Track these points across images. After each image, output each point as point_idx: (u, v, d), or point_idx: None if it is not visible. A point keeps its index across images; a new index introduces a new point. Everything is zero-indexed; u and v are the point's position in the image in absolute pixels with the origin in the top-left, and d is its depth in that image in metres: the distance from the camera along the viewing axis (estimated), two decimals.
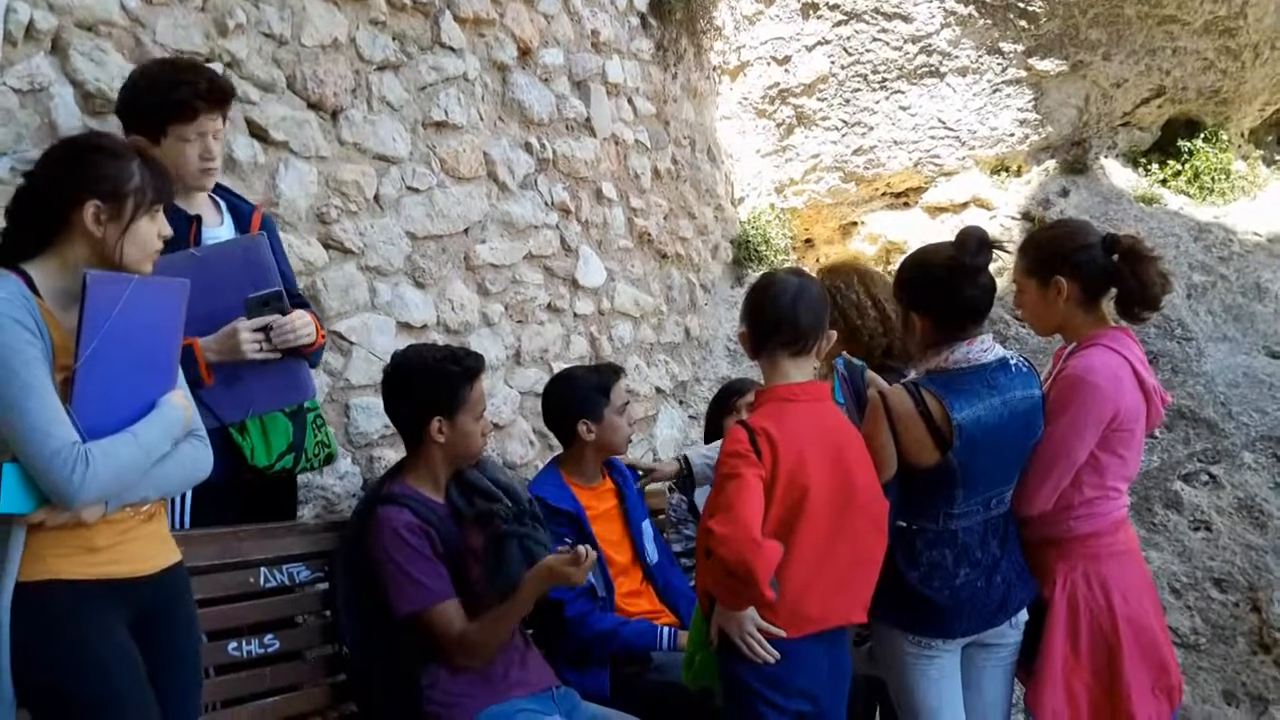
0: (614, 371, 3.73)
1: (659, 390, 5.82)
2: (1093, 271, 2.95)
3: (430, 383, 3.00)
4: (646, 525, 3.74)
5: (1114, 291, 2.98)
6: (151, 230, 2.25)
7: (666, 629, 3.43)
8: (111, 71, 2.94)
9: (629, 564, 3.64)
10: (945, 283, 2.83)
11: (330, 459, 3.20)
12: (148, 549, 2.28)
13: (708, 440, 4.14)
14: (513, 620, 2.95)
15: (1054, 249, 3.02)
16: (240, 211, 3.07)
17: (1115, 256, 2.93)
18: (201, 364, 2.79)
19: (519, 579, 2.95)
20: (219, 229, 3.00)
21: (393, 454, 3.73)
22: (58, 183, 2.18)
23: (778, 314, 2.70)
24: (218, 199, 3.05)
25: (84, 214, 2.15)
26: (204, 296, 2.66)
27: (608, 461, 3.76)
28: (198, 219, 2.93)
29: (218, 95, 2.86)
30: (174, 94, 2.77)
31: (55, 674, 2.08)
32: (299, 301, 3.09)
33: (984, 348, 2.85)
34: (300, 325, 2.92)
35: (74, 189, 2.16)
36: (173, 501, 2.83)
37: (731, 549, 2.41)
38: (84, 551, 2.15)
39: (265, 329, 2.85)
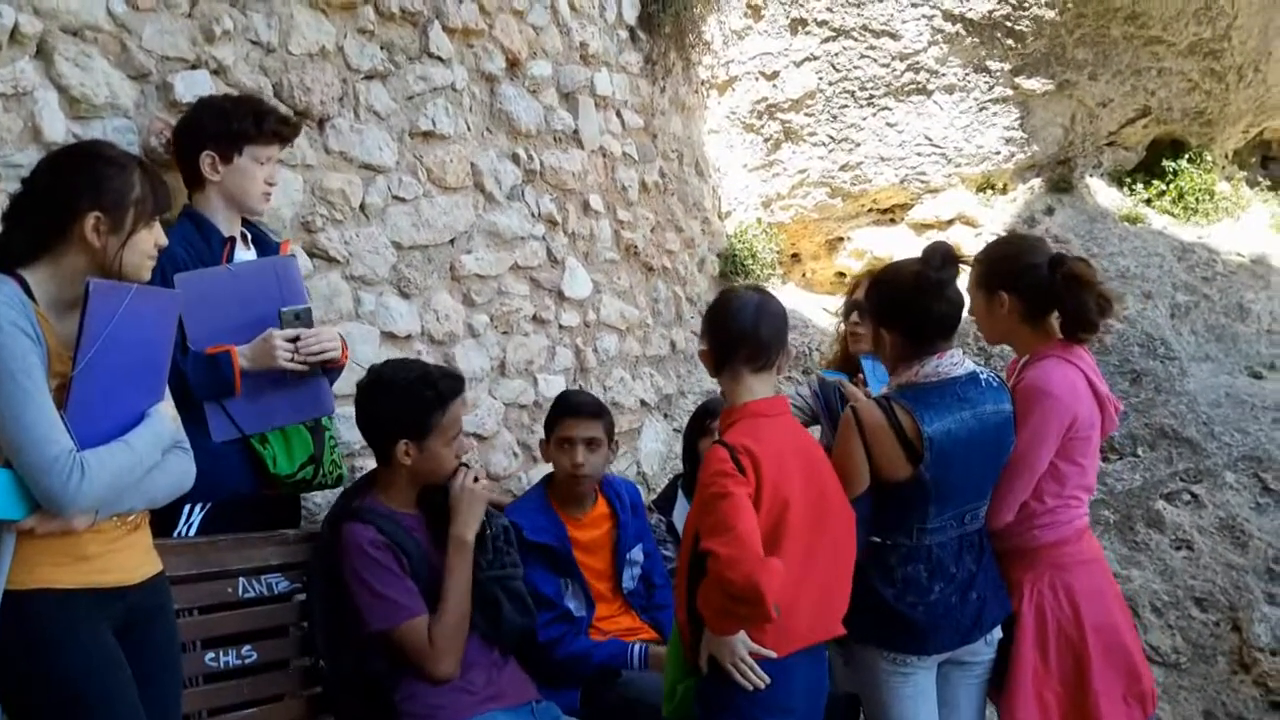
0: (559, 405, 3.73)
1: (644, 403, 5.81)
2: (1035, 290, 3.01)
3: (400, 406, 2.96)
4: (637, 551, 3.70)
5: None
6: (149, 240, 2.26)
7: (637, 646, 3.42)
8: (97, 77, 2.93)
9: (610, 593, 3.62)
10: (912, 298, 2.87)
11: (340, 480, 3.25)
12: (134, 559, 2.29)
13: (685, 463, 4.10)
14: (460, 597, 2.91)
15: (1000, 265, 3.10)
16: (266, 245, 3.22)
17: (1058, 279, 2.98)
18: (236, 372, 2.86)
19: (511, 620, 3.01)
20: (247, 254, 3.13)
21: (374, 464, 3.71)
22: (60, 191, 2.18)
23: (740, 329, 2.70)
24: (245, 231, 3.17)
25: (84, 224, 2.15)
26: (237, 310, 2.91)
27: (606, 483, 3.73)
28: (232, 240, 3.07)
29: (295, 129, 3.22)
30: (261, 119, 3.04)
31: (46, 683, 2.08)
32: None
33: (953, 362, 2.89)
34: (328, 339, 3.04)
35: (76, 199, 2.16)
36: (185, 509, 2.88)
37: (739, 570, 2.36)
38: (76, 560, 2.15)
39: (295, 339, 2.95)
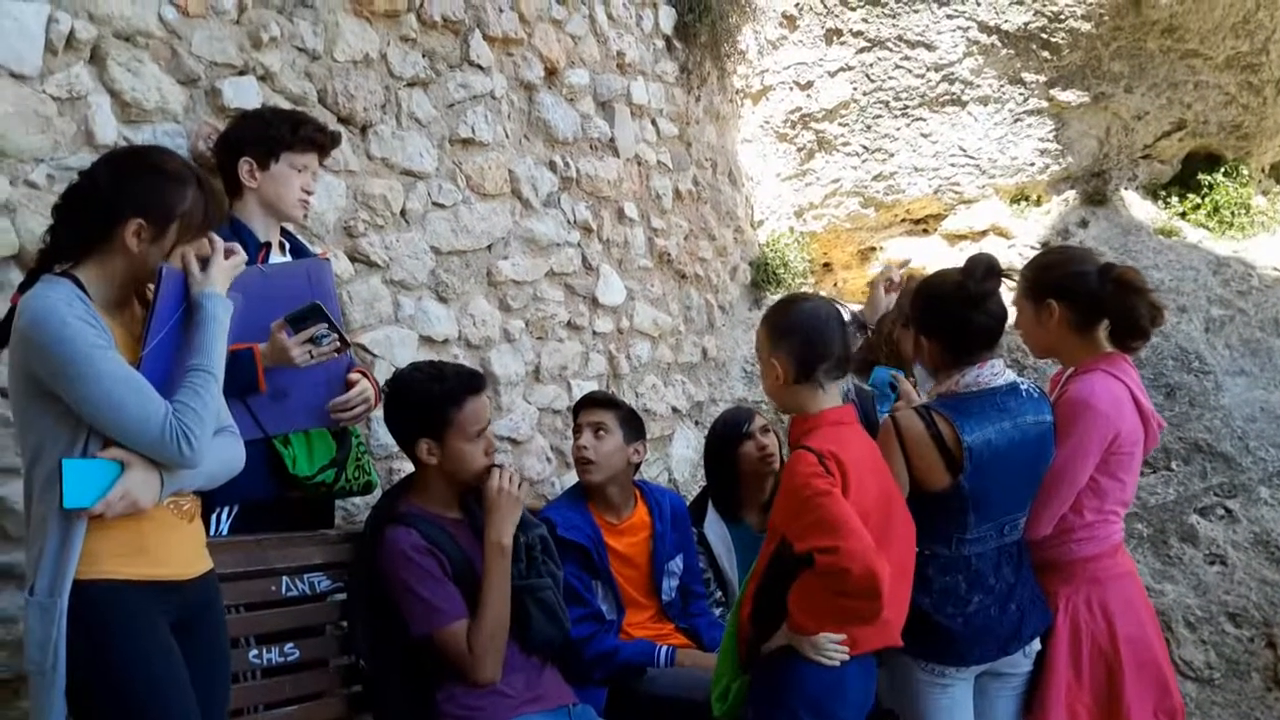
0: (582, 402, 3.74)
1: (675, 410, 5.82)
2: (1084, 298, 3.00)
3: (414, 404, 2.99)
4: (676, 563, 3.69)
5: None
6: (190, 254, 2.28)
7: (664, 648, 3.42)
8: (148, 82, 2.99)
9: (645, 599, 3.62)
10: (953, 308, 2.87)
11: (369, 488, 3.27)
12: (190, 552, 2.34)
13: (714, 475, 4.05)
14: (498, 602, 2.90)
15: (1048, 273, 3.09)
16: (303, 255, 3.24)
17: (1109, 286, 2.97)
18: (259, 369, 2.87)
19: (541, 632, 3.00)
20: (281, 260, 3.16)
21: (411, 466, 3.75)
22: (109, 193, 2.21)
23: (827, 341, 2.71)
24: (284, 240, 3.21)
25: (126, 229, 2.18)
26: (266, 309, 2.85)
27: (644, 489, 3.73)
28: (267, 245, 3.10)
29: (333, 139, 3.25)
30: (297, 126, 3.08)
31: (102, 671, 2.12)
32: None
33: (994, 372, 2.88)
34: (360, 401, 3.10)
35: (123, 203, 2.19)
36: (213, 518, 2.90)
37: (860, 562, 2.38)
38: (135, 552, 2.19)
39: (312, 338, 2.93)
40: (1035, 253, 7.31)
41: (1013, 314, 3.10)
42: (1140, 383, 3.05)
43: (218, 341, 2.24)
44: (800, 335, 2.72)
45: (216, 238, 2.34)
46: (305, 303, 2.92)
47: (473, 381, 3.04)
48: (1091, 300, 2.99)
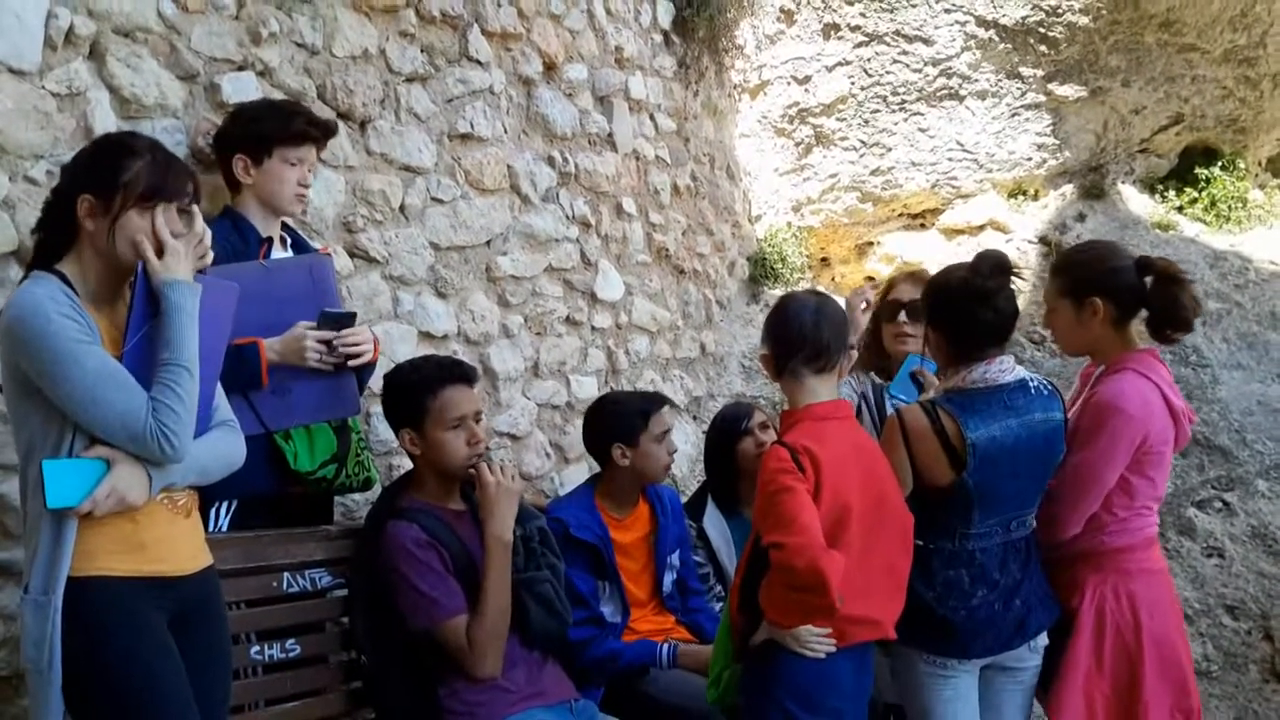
0: (657, 400, 3.71)
1: (673, 405, 5.81)
2: (1126, 293, 2.97)
3: (395, 395, 3.03)
4: (675, 557, 3.70)
5: (1143, 313, 3.00)
6: (144, 224, 2.19)
7: (665, 647, 3.43)
8: (147, 78, 2.99)
9: (647, 597, 3.63)
10: (960, 303, 2.86)
11: (368, 484, 3.27)
12: (188, 548, 2.32)
13: (712, 470, 4.07)
14: (499, 597, 2.87)
15: (1087, 270, 3.04)
16: (304, 250, 3.23)
17: (1149, 279, 2.95)
18: (263, 364, 2.87)
19: (540, 625, 2.99)
20: (283, 256, 3.15)
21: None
22: (66, 180, 2.24)
23: (800, 331, 2.72)
24: (285, 235, 3.20)
25: (80, 209, 2.19)
26: (268, 305, 2.87)
27: (649, 489, 3.74)
28: (269, 240, 3.10)
29: (325, 129, 3.18)
30: (288, 120, 3.05)
31: (99, 667, 2.12)
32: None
33: (1002, 368, 2.87)
34: (364, 341, 3.07)
35: (74, 186, 2.20)
36: (212, 512, 2.89)
37: (804, 557, 2.42)
38: (132, 549, 2.19)
39: (328, 342, 2.96)
40: (1033, 247, 7.36)
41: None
42: (1171, 380, 3.00)
43: (186, 331, 2.18)
44: (776, 329, 2.79)
45: (162, 221, 2.21)
46: (336, 305, 3.01)
47: (452, 370, 3.03)
48: (1133, 294, 2.96)
